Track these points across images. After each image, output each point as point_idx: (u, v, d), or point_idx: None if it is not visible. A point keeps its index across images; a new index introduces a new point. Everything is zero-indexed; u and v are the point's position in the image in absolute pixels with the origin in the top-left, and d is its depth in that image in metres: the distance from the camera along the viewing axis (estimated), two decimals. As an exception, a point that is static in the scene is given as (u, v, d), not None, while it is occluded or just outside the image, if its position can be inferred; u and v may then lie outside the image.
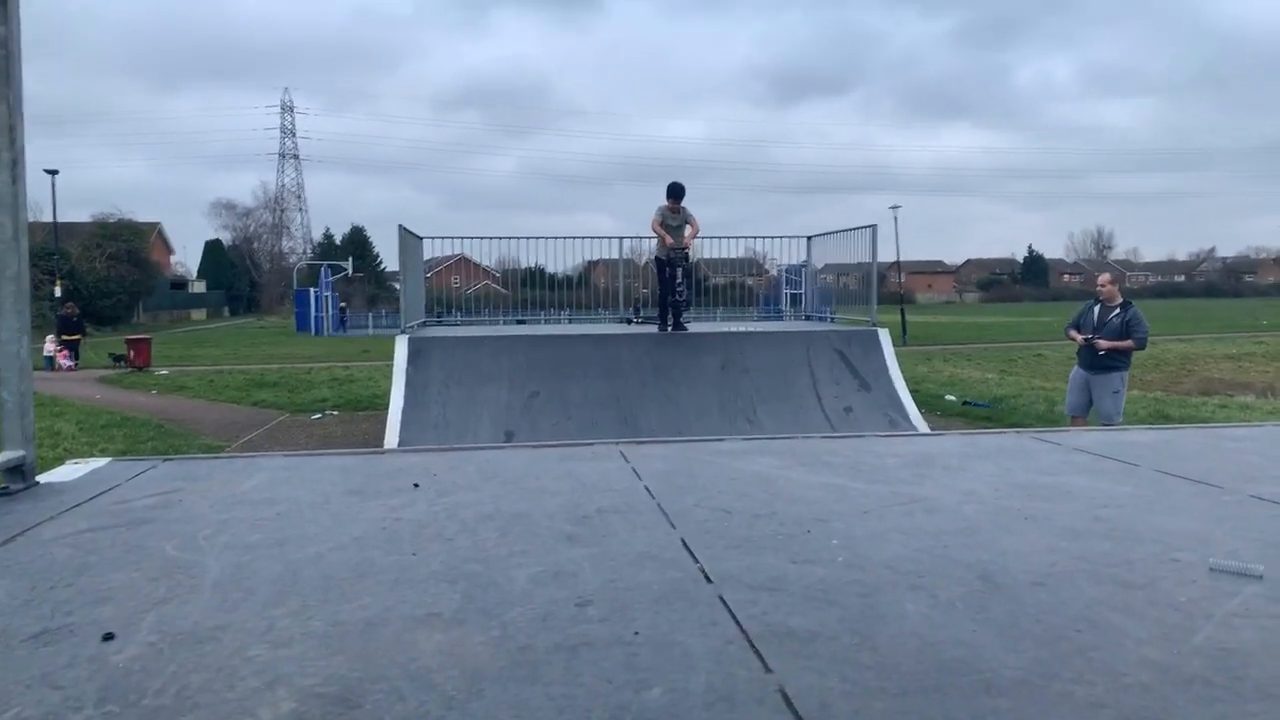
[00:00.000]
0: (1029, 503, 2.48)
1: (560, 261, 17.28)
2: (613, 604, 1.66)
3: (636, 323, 12.95)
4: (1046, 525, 2.24)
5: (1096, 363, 8.39)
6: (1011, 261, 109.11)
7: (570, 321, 15.69)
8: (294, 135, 74.19)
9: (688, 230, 10.56)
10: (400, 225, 10.27)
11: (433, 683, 1.34)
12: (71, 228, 42.28)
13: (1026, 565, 1.92)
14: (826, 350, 10.95)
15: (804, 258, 14.16)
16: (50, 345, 21.48)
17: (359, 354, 25.02)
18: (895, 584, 1.80)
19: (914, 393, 12.22)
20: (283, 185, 73.66)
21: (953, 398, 15.14)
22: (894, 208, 47.58)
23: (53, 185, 31.89)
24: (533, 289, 16.17)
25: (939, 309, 69.91)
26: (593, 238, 18.84)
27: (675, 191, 10.48)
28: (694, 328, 11.66)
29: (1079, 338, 8.60)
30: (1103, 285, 8.75)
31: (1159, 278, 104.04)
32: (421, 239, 11.57)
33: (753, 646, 1.48)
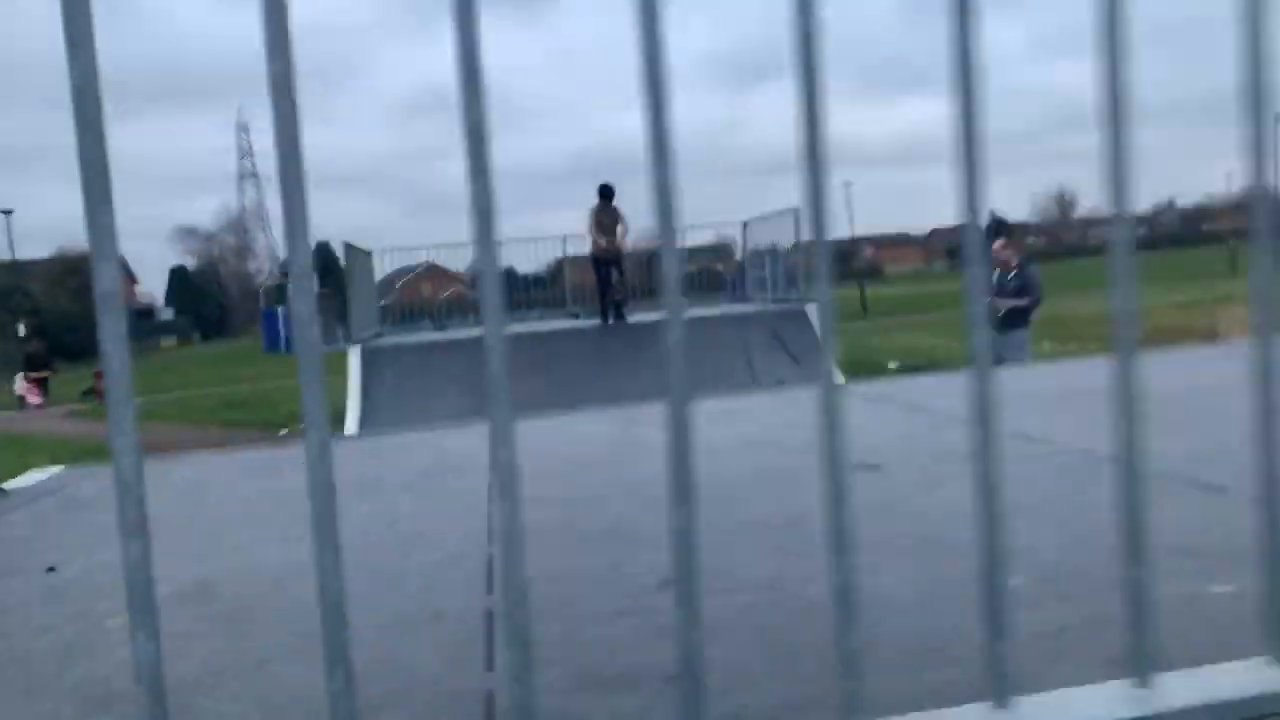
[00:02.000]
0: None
1: (533, 261, 17.38)
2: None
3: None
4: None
5: (1000, 323, 9.05)
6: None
7: (540, 320, 16.12)
8: (252, 155, 73.98)
9: (619, 230, 11.12)
10: (345, 241, 10.77)
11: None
12: (32, 265, 42.25)
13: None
14: (761, 331, 11.58)
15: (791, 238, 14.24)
16: (20, 384, 21.71)
17: (329, 369, 25.34)
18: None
19: (858, 363, 12.86)
20: (244, 206, 73.49)
21: (894, 364, 15.85)
22: (846, 184, 48.30)
23: (8, 224, 32.04)
24: (504, 292, 16.51)
25: (908, 280, 70.95)
26: (528, 239, 18.22)
27: (604, 192, 11.03)
28: (637, 318, 12.22)
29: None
30: (996, 251, 9.40)
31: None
32: (370, 253, 12.07)
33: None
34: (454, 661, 1.40)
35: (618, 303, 11.47)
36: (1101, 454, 1.67)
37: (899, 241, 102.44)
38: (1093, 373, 4.23)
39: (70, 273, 42.93)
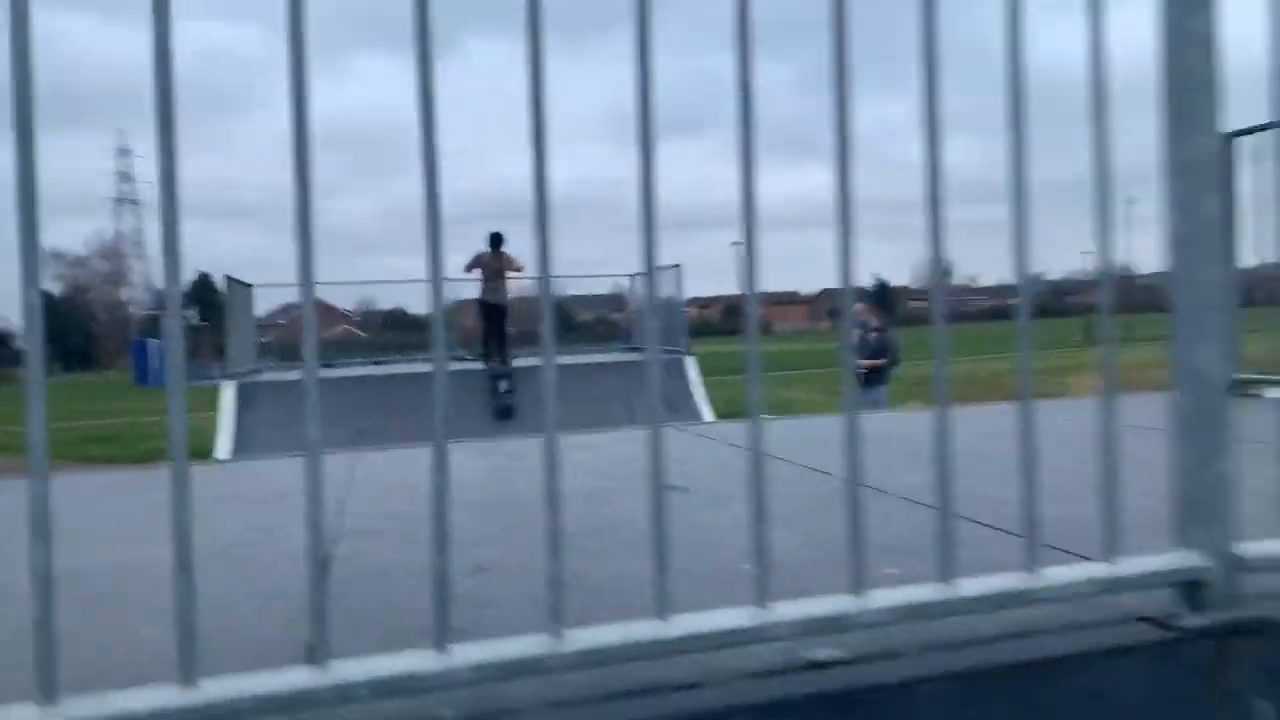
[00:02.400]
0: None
1: (424, 303, 17.25)
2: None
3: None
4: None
5: (863, 380, 9.83)
6: (863, 290, 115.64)
7: (425, 361, 16.10)
8: (132, 180, 71.03)
9: (503, 282, 11.46)
10: (227, 275, 10.72)
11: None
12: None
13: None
14: (637, 379, 12.06)
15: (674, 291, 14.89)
16: None
17: (202, 405, 24.58)
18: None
19: (733, 412, 13.44)
20: (120, 233, 70.26)
21: (768, 416, 16.66)
22: (735, 244, 50.09)
23: None
24: (394, 331, 16.38)
25: (793, 338, 73.77)
26: (407, 281, 17.71)
27: (494, 241, 11.37)
28: (523, 364, 12.52)
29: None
30: (859, 314, 10.22)
31: (994, 300, 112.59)
32: (250, 286, 12.00)
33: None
34: (279, 625, 1.68)
35: (502, 348, 11.77)
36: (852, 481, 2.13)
37: (787, 300, 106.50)
38: (914, 424, 4.82)
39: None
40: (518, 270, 11.56)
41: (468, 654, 1.18)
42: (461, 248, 11.83)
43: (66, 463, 13.94)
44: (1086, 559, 1.55)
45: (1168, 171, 1.44)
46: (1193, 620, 1.44)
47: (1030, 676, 1.40)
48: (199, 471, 5.28)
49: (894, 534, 2.16)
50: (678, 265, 12.84)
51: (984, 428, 3.16)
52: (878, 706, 1.32)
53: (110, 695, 1.09)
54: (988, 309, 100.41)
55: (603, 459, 3.81)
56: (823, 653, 1.39)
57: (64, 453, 15.03)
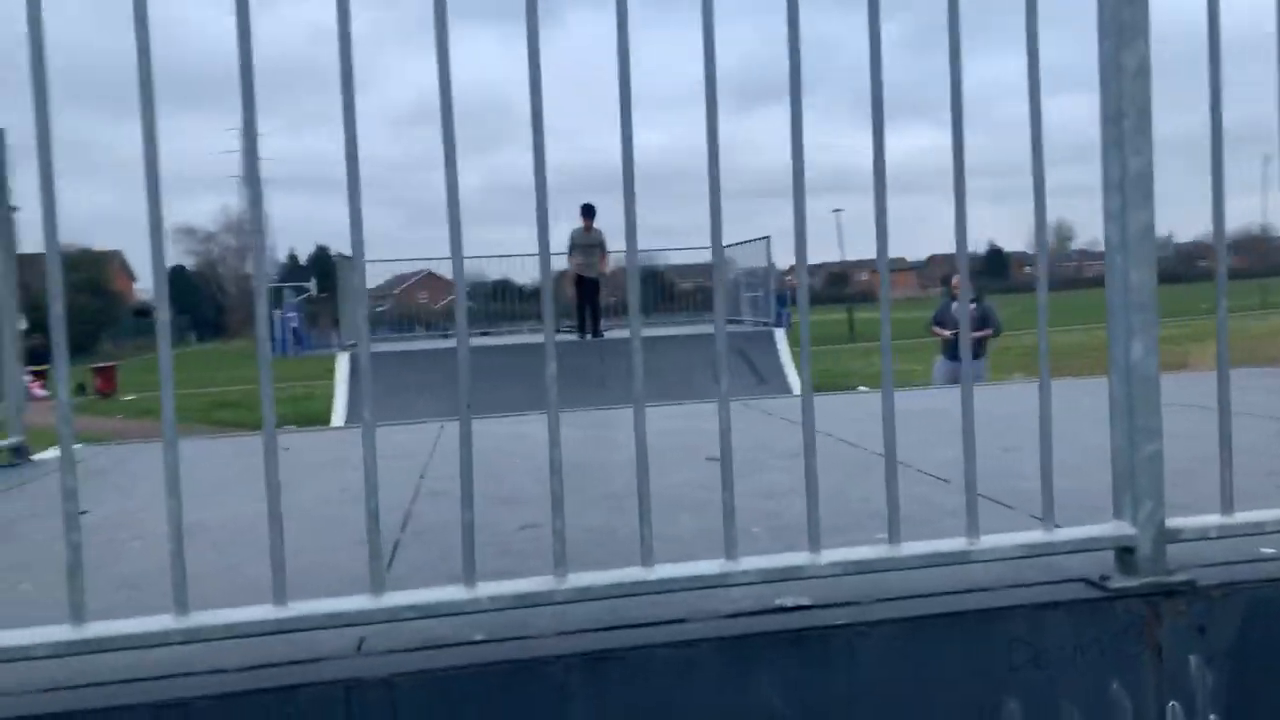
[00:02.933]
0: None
1: (530, 273, 17.67)
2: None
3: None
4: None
5: (960, 353, 9.78)
6: (973, 256, 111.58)
7: (531, 333, 16.69)
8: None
9: (597, 254, 11.82)
10: (338, 252, 11.45)
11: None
12: (31, 259, 42.82)
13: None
14: (729, 350, 12.27)
15: (765, 262, 14.80)
16: (26, 375, 22.33)
17: (323, 373, 26.07)
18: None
19: (829, 385, 13.52)
20: (244, 208, 74.19)
21: (864, 388, 16.55)
22: (836, 210, 49.10)
23: (12, 221, 32.63)
24: (499, 302, 16.99)
25: (902, 305, 72.10)
26: (508, 255, 17.93)
27: (586, 212, 11.75)
28: (614, 335, 12.91)
29: (944, 333, 9.97)
30: (955, 285, 10.15)
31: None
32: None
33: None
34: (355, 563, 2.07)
35: (595, 319, 12.17)
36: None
37: (894, 268, 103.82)
38: (1003, 398, 4.93)
39: (69, 268, 43.58)
40: (606, 261, 11.90)
41: (489, 589, 1.51)
42: (564, 216, 12.04)
43: (198, 427, 15.16)
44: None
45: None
46: (1122, 582, 1.64)
47: (972, 624, 1.64)
48: (314, 436, 5.89)
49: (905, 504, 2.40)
50: (767, 237, 12.96)
51: (1062, 400, 3.29)
52: (829, 644, 1.59)
53: (222, 611, 1.46)
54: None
55: (666, 430, 4.12)
56: (789, 599, 1.66)
57: (196, 417, 16.31)
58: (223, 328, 66.17)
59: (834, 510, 2.27)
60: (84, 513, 1.67)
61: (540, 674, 1.49)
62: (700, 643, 1.54)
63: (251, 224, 1.57)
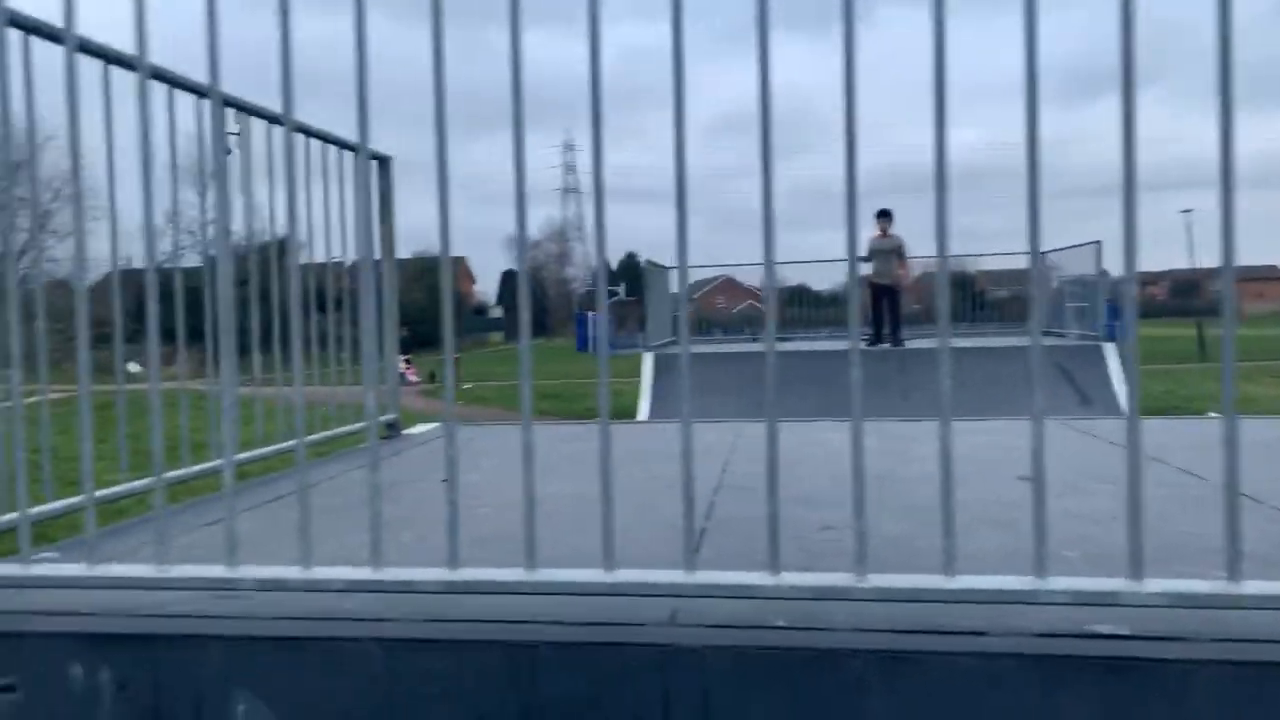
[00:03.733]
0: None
1: (828, 278, 17.59)
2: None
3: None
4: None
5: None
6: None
7: (829, 339, 16.62)
8: (574, 171, 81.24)
9: (894, 260, 11.45)
10: (648, 260, 12.17)
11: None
12: (400, 265, 49.80)
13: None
14: (1048, 365, 11.37)
15: (1093, 269, 13.51)
16: (400, 363, 26.16)
17: (629, 371, 27.79)
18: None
19: (1170, 409, 12.07)
20: (565, 218, 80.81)
21: (1215, 415, 14.45)
22: (1185, 211, 43.26)
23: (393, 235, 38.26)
24: (796, 307, 17.07)
25: (1268, 320, 61.63)
26: (808, 261, 17.73)
27: (881, 217, 11.44)
28: (916, 344, 12.46)
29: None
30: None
31: None
32: (667, 269, 13.45)
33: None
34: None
35: (894, 328, 11.82)
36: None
37: (1262, 276, 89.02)
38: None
39: (425, 271, 50.13)
40: (905, 270, 11.49)
41: (791, 578, 1.61)
42: (869, 220, 11.71)
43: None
44: None
45: None
46: None
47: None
48: (623, 429, 6.37)
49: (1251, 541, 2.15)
50: (1098, 241, 11.80)
51: None
52: (1151, 677, 1.50)
53: (563, 570, 1.69)
54: None
55: (972, 445, 3.96)
56: (1107, 627, 1.59)
57: (520, 407, 18.06)
58: (544, 326, 72.73)
59: (1159, 542, 2.09)
60: (445, 480, 2.01)
61: (840, 665, 1.56)
62: (1005, 657, 1.53)
63: (597, 249, 1.79)
